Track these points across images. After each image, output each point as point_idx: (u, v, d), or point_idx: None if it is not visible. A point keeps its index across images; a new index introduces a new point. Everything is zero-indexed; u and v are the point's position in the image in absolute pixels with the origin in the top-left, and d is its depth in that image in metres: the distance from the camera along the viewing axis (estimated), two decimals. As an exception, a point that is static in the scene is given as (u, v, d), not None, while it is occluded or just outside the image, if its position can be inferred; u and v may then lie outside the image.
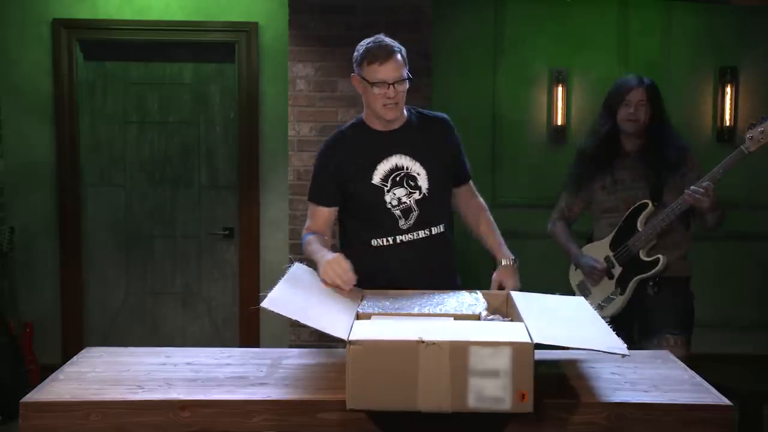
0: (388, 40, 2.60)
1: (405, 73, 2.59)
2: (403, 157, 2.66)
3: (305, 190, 2.82)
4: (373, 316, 2.20)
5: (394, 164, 2.66)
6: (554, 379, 2.09)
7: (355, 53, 2.63)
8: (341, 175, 2.69)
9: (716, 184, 3.06)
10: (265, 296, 2.03)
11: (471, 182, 2.86)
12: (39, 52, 4.76)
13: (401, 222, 2.66)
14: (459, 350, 1.81)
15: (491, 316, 2.28)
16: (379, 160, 2.66)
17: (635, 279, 3.25)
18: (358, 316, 2.19)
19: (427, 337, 1.82)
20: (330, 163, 2.72)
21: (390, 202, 2.65)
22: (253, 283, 4.86)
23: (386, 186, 2.65)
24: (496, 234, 2.77)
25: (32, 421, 1.91)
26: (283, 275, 2.28)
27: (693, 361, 2.49)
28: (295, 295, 2.18)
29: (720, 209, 3.17)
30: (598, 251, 3.35)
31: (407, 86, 2.61)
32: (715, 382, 2.08)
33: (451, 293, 2.47)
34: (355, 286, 2.43)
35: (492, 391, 1.80)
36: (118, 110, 4.89)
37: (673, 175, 3.22)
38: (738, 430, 3.54)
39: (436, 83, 4.55)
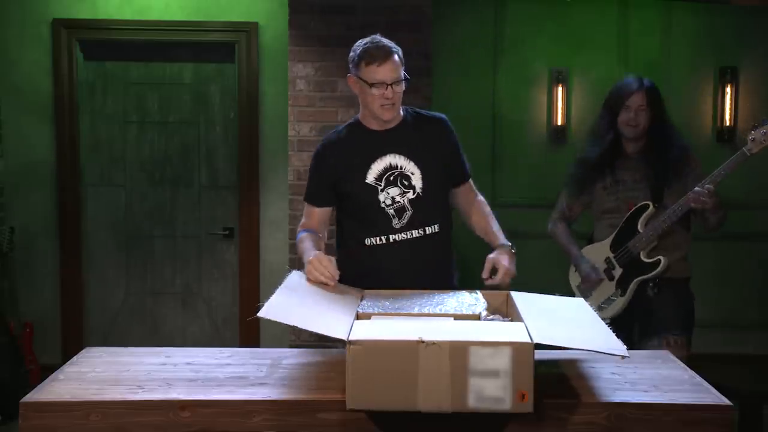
0: (385, 41, 2.60)
1: (402, 73, 2.59)
2: (397, 156, 2.66)
3: (305, 190, 2.82)
4: (372, 316, 2.20)
5: (388, 163, 2.66)
6: (554, 379, 2.09)
7: (352, 53, 2.62)
8: (335, 175, 2.69)
9: (718, 186, 3.06)
10: (263, 305, 2.03)
11: (471, 182, 2.85)
12: (39, 52, 4.76)
13: (395, 221, 2.66)
14: (459, 350, 1.81)
15: (491, 316, 2.28)
16: (373, 160, 2.66)
17: (636, 280, 3.25)
18: (357, 317, 2.19)
19: (427, 337, 1.82)
20: (324, 163, 2.72)
21: (384, 202, 2.65)
22: (253, 283, 4.86)
23: (380, 185, 2.65)
24: (493, 224, 2.74)
25: (32, 421, 1.91)
26: (281, 282, 2.29)
27: (693, 361, 2.49)
28: (293, 302, 2.18)
29: (722, 210, 3.17)
30: (599, 252, 3.35)
31: (405, 87, 2.61)
32: (715, 382, 2.08)
33: (451, 293, 2.47)
34: (353, 285, 2.43)
35: (492, 391, 1.80)
36: (118, 110, 4.89)
37: (675, 176, 3.22)
38: (738, 430, 3.54)
39: (436, 83, 4.55)
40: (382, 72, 2.55)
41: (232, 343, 4.89)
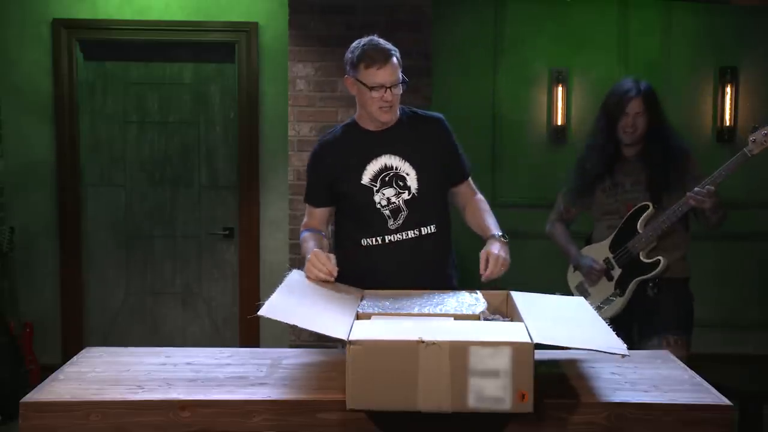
0: (383, 42, 2.58)
1: (401, 75, 2.58)
2: (392, 157, 2.65)
3: (304, 191, 2.83)
4: (372, 316, 2.20)
5: (383, 164, 2.65)
6: (554, 379, 2.09)
7: (349, 55, 2.60)
8: (332, 175, 2.69)
9: (718, 187, 3.06)
10: (263, 304, 2.03)
11: (470, 181, 2.83)
12: (39, 52, 4.76)
13: (390, 222, 2.65)
14: (459, 350, 1.81)
15: (491, 316, 2.28)
16: (369, 160, 2.65)
17: (635, 280, 3.25)
18: (357, 316, 2.18)
19: (427, 337, 1.82)
20: (321, 163, 2.72)
21: (379, 202, 2.64)
22: (253, 283, 4.86)
23: (375, 186, 2.65)
24: (488, 218, 2.69)
25: (32, 421, 1.91)
26: (281, 282, 2.29)
27: (693, 361, 2.49)
28: (293, 301, 2.18)
29: (722, 210, 3.17)
30: (598, 253, 3.35)
31: (403, 89, 2.60)
32: (715, 382, 2.08)
33: (451, 293, 2.46)
34: (353, 284, 2.43)
35: (492, 391, 1.80)
36: (118, 110, 4.89)
37: (674, 178, 3.22)
38: (738, 430, 3.54)
39: (436, 83, 4.55)
40: (381, 75, 2.54)
41: (232, 343, 4.89)
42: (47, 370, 2.37)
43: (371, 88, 2.55)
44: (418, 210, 2.65)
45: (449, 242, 2.78)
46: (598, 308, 3.29)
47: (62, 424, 1.90)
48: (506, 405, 1.80)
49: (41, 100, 4.79)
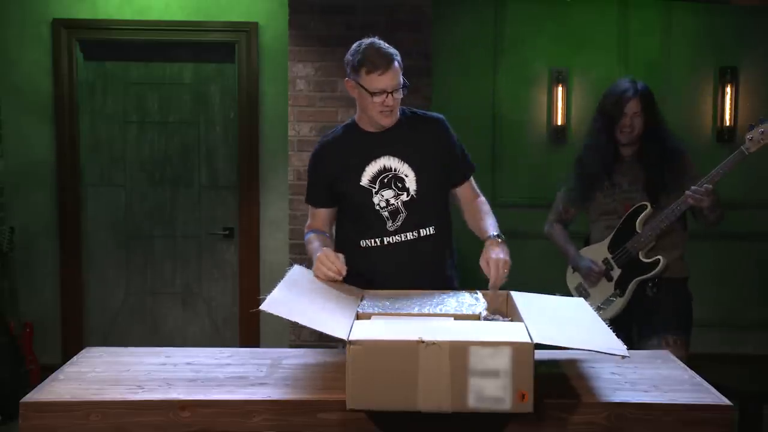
0: (384, 46, 2.55)
1: (402, 79, 2.56)
2: (391, 158, 2.64)
3: (305, 190, 2.82)
4: (373, 316, 2.20)
5: (382, 166, 2.64)
6: (554, 379, 2.09)
7: (350, 57, 2.57)
8: (332, 176, 2.68)
9: (716, 186, 3.06)
10: (264, 299, 2.03)
11: (472, 182, 2.80)
12: (39, 52, 4.76)
13: (389, 224, 2.65)
14: (459, 350, 1.81)
15: (491, 316, 2.28)
16: (368, 162, 2.64)
17: (635, 280, 3.25)
18: (358, 316, 2.19)
19: (427, 337, 1.82)
20: (321, 164, 2.72)
21: (378, 204, 2.64)
22: (253, 283, 4.86)
23: (374, 187, 2.64)
24: (486, 219, 2.66)
25: (32, 421, 1.91)
26: (283, 277, 2.28)
27: (693, 361, 2.49)
28: (294, 297, 2.18)
29: (720, 209, 3.18)
30: (596, 254, 3.35)
31: (404, 93, 2.59)
32: (715, 382, 2.08)
33: (451, 293, 2.46)
34: (353, 285, 2.43)
35: (492, 391, 1.80)
36: (118, 110, 4.89)
37: (670, 178, 3.22)
38: (738, 430, 3.54)
39: (436, 83, 4.55)
40: (383, 81, 2.51)
41: (232, 343, 4.89)
42: (47, 370, 2.37)
43: (373, 94, 2.53)
44: (416, 212, 2.64)
45: (449, 244, 2.77)
46: (598, 309, 3.29)
47: (62, 424, 1.90)
48: (506, 405, 1.81)
49: (41, 100, 4.79)
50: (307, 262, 2.53)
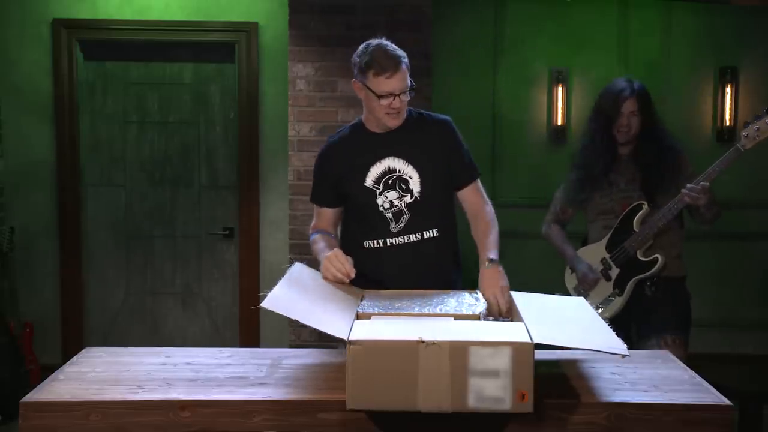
0: (392, 48, 2.53)
1: (409, 81, 2.55)
2: (396, 159, 2.64)
3: (305, 190, 2.83)
4: (373, 316, 2.20)
5: (386, 167, 2.64)
6: (554, 379, 2.09)
7: (357, 58, 2.56)
8: (337, 176, 2.68)
9: (712, 183, 3.07)
10: (265, 296, 2.03)
11: (479, 185, 2.73)
12: (39, 52, 4.76)
13: (392, 225, 2.64)
14: (459, 350, 1.81)
15: (491, 316, 2.28)
16: (373, 163, 2.64)
17: (634, 279, 3.25)
18: (358, 316, 2.19)
19: (427, 337, 1.82)
20: (326, 164, 2.72)
21: (382, 205, 2.64)
22: (253, 283, 4.86)
23: (378, 188, 2.64)
24: (490, 235, 2.60)
25: (32, 421, 1.91)
26: (283, 275, 2.28)
27: (693, 361, 2.49)
28: (295, 295, 2.18)
29: (716, 207, 3.18)
30: (594, 254, 3.35)
31: (411, 95, 2.57)
32: (715, 382, 2.08)
33: (452, 293, 2.46)
34: (354, 285, 2.43)
35: (492, 391, 1.80)
36: (118, 110, 4.89)
37: (666, 177, 3.22)
38: (738, 430, 3.54)
39: (436, 83, 4.55)
40: (390, 84, 2.50)
41: (232, 343, 4.89)
42: (47, 370, 2.37)
43: (380, 96, 2.52)
44: (420, 213, 2.64)
45: (453, 245, 2.76)
46: (597, 308, 3.29)
47: (62, 424, 1.90)
48: (506, 405, 1.81)
49: (41, 100, 4.79)
50: (308, 262, 2.53)
